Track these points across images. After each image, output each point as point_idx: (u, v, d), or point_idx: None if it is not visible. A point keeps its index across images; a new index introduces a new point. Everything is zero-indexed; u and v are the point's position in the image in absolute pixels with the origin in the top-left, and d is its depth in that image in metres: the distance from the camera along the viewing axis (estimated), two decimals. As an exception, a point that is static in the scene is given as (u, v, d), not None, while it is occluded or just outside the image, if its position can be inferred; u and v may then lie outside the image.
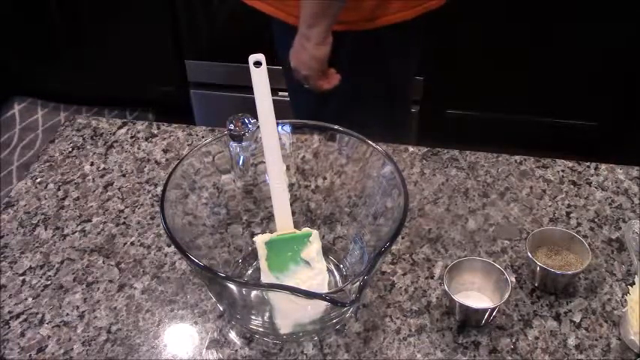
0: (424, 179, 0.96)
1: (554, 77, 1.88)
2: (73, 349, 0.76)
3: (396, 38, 1.16)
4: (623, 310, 0.76)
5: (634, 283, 0.79)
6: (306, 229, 0.77)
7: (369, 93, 1.21)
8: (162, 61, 2.08)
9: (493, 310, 0.75)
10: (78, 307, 0.81)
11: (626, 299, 0.78)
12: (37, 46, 2.13)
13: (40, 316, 0.80)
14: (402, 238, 0.87)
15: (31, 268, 0.85)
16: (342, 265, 0.83)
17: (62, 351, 0.76)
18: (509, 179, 0.96)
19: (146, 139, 1.05)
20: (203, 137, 1.05)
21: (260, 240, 0.75)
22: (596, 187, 0.94)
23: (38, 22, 2.08)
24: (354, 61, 1.15)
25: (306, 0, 1.03)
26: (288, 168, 0.78)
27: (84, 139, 1.06)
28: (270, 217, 0.81)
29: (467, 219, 0.90)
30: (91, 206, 0.94)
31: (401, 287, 0.81)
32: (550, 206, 0.92)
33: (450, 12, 1.84)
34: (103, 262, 0.86)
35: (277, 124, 0.75)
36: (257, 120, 0.75)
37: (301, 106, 1.29)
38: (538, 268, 0.79)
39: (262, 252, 0.74)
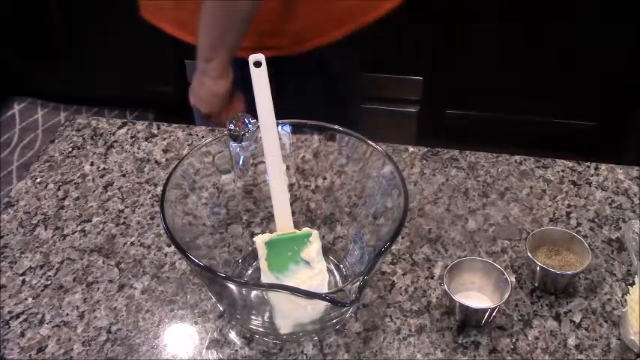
0: (424, 179, 0.96)
1: (554, 77, 1.89)
2: (73, 349, 0.76)
3: (332, 55, 1.13)
4: (623, 310, 0.76)
5: (634, 283, 0.79)
6: (306, 229, 0.77)
7: (317, 106, 1.18)
8: (161, 61, 2.08)
9: (493, 310, 0.75)
10: (78, 307, 0.81)
11: (626, 299, 0.78)
12: (37, 46, 2.13)
13: (40, 316, 0.80)
14: (402, 238, 0.87)
15: (31, 268, 0.85)
16: (342, 265, 0.83)
17: (62, 351, 0.76)
18: (509, 179, 0.96)
19: (146, 139, 1.05)
20: (203, 137, 1.05)
21: (260, 240, 0.75)
22: (596, 187, 0.94)
23: (38, 22, 2.08)
24: (294, 81, 1.11)
25: (201, 34, 1.00)
26: (288, 168, 0.78)
27: (84, 139, 1.06)
28: (270, 217, 0.81)
29: (467, 219, 0.90)
30: (91, 206, 0.94)
31: (401, 287, 0.81)
32: (550, 206, 0.92)
33: (450, 12, 1.85)
34: (103, 262, 0.86)
35: (277, 124, 0.75)
36: (257, 120, 0.75)
37: None
38: (538, 268, 0.79)
39: (262, 252, 0.74)
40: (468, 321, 0.77)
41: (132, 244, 0.88)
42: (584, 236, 0.87)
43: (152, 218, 0.92)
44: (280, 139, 0.76)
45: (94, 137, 1.07)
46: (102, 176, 0.99)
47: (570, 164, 0.98)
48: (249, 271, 0.83)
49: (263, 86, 0.74)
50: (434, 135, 1.95)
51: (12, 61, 2.19)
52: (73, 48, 2.13)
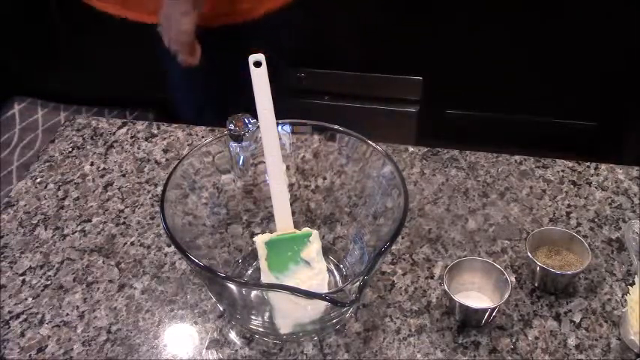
0: (424, 179, 0.96)
1: (554, 77, 1.88)
2: (73, 349, 0.76)
3: (281, 19, 1.18)
4: (623, 310, 0.76)
5: (634, 283, 0.79)
6: (306, 229, 0.77)
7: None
8: (162, 61, 2.07)
9: (493, 310, 0.75)
10: (78, 307, 0.81)
11: (626, 299, 0.78)
12: (37, 46, 2.13)
13: (40, 316, 0.80)
14: (402, 238, 0.87)
15: (31, 268, 0.85)
16: (342, 265, 0.83)
17: (62, 351, 0.76)
18: (509, 179, 0.96)
19: (146, 139, 1.05)
20: (203, 137, 1.05)
21: (260, 240, 0.75)
22: (596, 187, 0.94)
23: (38, 22, 2.07)
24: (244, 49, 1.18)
25: None
26: (288, 168, 0.78)
27: (84, 139, 1.06)
28: (270, 217, 0.81)
29: (467, 219, 0.90)
30: (91, 206, 0.94)
31: (401, 287, 0.81)
32: (550, 206, 0.92)
33: (450, 11, 1.85)
34: (103, 262, 0.86)
35: (277, 124, 0.75)
36: (257, 120, 0.75)
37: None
38: (538, 268, 0.79)
39: (262, 252, 0.74)
40: (468, 321, 0.77)
41: (132, 244, 0.88)
42: (584, 236, 0.87)
43: (152, 218, 0.92)
44: (280, 139, 0.76)
45: (94, 137, 1.07)
46: (102, 176, 0.99)
47: (570, 164, 0.98)
48: (249, 271, 0.83)
49: (263, 86, 0.74)
50: (434, 135, 1.95)
51: (12, 61, 2.18)
52: (73, 48, 2.12)
